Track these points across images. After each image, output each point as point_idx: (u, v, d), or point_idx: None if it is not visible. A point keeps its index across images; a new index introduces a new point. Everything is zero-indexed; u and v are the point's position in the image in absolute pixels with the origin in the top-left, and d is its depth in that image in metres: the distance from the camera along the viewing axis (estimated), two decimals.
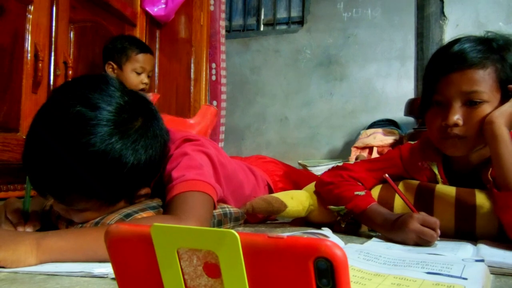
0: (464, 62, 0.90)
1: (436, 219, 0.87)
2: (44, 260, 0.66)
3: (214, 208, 0.90)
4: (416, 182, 1.04)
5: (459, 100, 0.90)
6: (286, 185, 1.38)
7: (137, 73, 1.95)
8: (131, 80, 1.93)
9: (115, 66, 1.94)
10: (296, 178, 1.42)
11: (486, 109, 0.90)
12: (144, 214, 0.84)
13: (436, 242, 0.87)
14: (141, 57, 1.96)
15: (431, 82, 0.95)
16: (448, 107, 0.91)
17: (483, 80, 0.89)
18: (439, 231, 0.87)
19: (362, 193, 1.02)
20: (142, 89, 1.96)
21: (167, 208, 0.84)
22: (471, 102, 0.90)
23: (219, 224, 1.00)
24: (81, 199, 0.78)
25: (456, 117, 0.90)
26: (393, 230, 0.91)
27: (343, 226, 1.03)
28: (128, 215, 0.82)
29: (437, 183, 1.02)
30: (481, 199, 0.95)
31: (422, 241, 0.86)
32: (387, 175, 0.97)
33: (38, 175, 0.77)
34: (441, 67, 0.93)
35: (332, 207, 1.05)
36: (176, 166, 0.88)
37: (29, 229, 0.83)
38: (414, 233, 0.86)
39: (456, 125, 0.90)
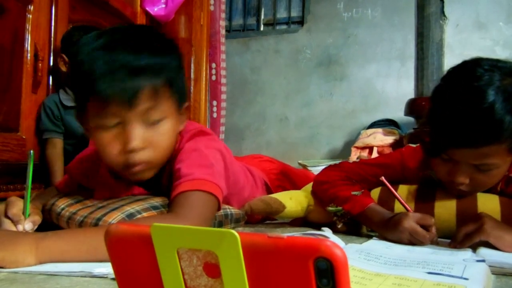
0: (481, 142, 0.82)
1: (431, 217, 0.87)
2: (43, 260, 0.65)
3: (219, 209, 0.90)
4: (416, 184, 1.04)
5: (468, 165, 0.87)
6: (283, 183, 1.38)
7: None
8: None
9: (66, 59, 1.68)
10: (292, 175, 1.42)
11: (495, 172, 0.88)
12: (145, 214, 0.84)
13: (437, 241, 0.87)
14: None
15: (441, 143, 0.88)
16: (456, 166, 0.88)
17: (496, 153, 0.83)
18: (434, 230, 0.87)
19: (359, 193, 1.01)
20: None
21: (171, 205, 0.84)
22: (480, 169, 0.87)
23: (220, 225, 1.00)
24: None
25: (464, 178, 0.88)
26: (388, 229, 0.91)
27: (339, 226, 1.03)
28: (130, 215, 0.82)
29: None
30: (482, 201, 0.95)
31: (415, 240, 0.85)
32: (383, 177, 0.97)
33: None
34: (455, 136, 0.83)
35: (329, 208, 1.05)
36: (185, 160, 0.88)
37: (28, 225, 0.83)
38: (408, 232, 0.86)
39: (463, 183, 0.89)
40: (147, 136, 0.83)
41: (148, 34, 0.88)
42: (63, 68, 1.68)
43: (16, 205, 0.85)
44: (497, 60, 0.86)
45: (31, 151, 0.81)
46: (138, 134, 0.81)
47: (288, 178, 1.41)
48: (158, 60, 0.82)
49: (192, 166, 0.86)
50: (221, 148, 0.97)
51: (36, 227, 0.86)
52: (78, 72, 0.82)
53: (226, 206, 1.06)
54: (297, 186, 1.36)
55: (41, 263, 0.65)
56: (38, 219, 0.86)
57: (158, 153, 0.86)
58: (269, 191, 1.30)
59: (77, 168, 1.06)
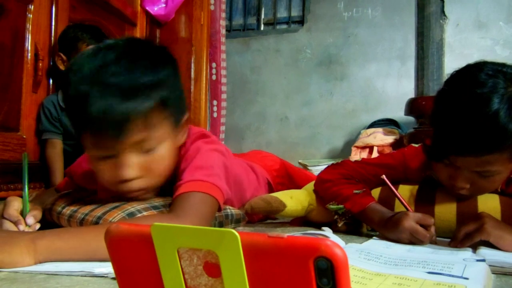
0: (484, 151, 0.81)
1: (431, 217, 0.87)
2: (42, 260, 0.65)
3: (219, 210, 0.90)
4: (417, 184, 1.04)
5: (469, 171, 0.87)
6: (283, 179, 1.40)
7: None
8: None
9: (64, 58, 1.66)
10: (291, 172, 1.44)
11: (496, 178, 0.88)
12: (146, 214, 0.84)
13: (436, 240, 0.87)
14: None
15: (443, 149, 0.87)
16: (457, 171, 0.88)
17: (498, 161, 0.83)
18: (433, 230, 0.87)
19: (360, 191, 1.01)
20: None
21: (171, 206, 0.84)
22: (482, 175, 0.87)
23: (220, 225, 1.00)
24: None
25: (465, 183, 0.88)
26: (388, 228, 0.91)
27: (340, 225, 1.03)
28: (131, 214, 0.82)
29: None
30: (483, 201, 0.94)
31: (416, 240, 0.85)
32: (384, 176, 0.97)
33: None
34: (457, 144, 0.83)
35: (330, 206, 1.05)
36: (188, 163, 0.88)
37: (30, 219, 0.83)
38: (408, 232, 0.86)
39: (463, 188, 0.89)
40: (143, 164, 0.81)
41: (142, 51, 0.83)
42: (62, 67, 1.67)
43: (12, 206, 0.84)
44: (502, 65, 0.84)
45: (25, 153, 0.83)
46: (132, 164, 0.80)
47: (288, 175, 1.42)
48: (151, 79, 0.77)
49: (192, 169, 0.87)
50: (222, 150, 0.98)
51: (39, 225, 0.86)
52: (71, 105, 0.80)
53: (227, 207, 1.06)
54: (295, 183, 1.37)
55: (40, 262, 0.65)
56: (38, 213, 0.86)
57: (156, 178, 0.86)
58: (271, 190, 1.30)
59: (77, 171, 1.07)
